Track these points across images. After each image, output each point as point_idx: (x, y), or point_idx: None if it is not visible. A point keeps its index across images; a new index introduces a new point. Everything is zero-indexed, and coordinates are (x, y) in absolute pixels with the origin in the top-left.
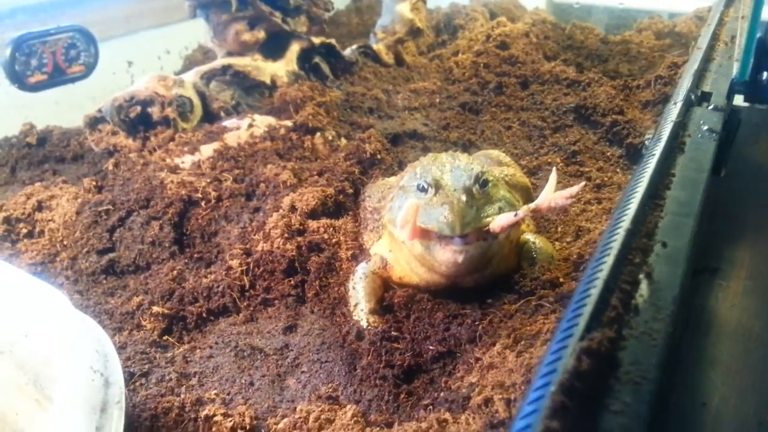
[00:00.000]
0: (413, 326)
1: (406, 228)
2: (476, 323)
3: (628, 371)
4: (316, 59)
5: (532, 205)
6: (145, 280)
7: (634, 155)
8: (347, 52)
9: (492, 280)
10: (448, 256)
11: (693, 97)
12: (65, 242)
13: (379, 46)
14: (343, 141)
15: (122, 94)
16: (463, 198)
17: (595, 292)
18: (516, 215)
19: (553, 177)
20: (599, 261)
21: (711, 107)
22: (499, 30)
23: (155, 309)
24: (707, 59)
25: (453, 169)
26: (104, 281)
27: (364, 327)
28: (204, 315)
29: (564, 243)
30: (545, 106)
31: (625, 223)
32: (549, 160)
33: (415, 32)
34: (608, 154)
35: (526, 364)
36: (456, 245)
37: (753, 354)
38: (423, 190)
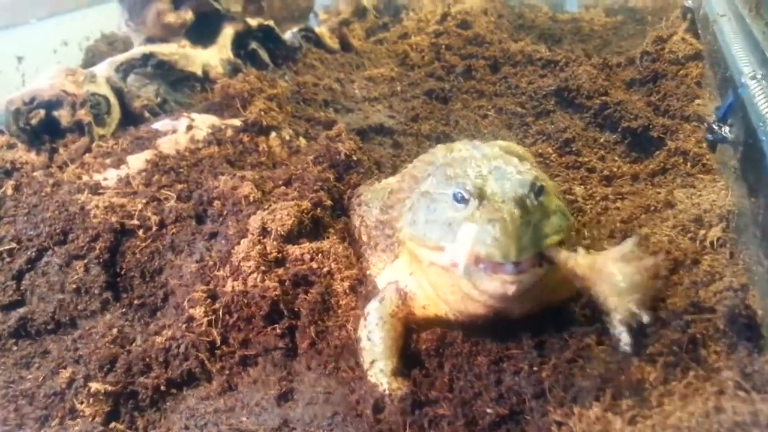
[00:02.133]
0: (452, 380)
1: (464, 258)
2: (535, 370)
3: None
4: (253, 45)
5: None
6: (73, 343)
7: (633, 141)
8: (287, 37)
9: (543, 306)
10: (495, 286)
11: None
12: None
13: (321, 30)
14: (302, 141)
15: (19, 95)
16: (517, 213)
17: None
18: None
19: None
20: None
21: None
22: (458, 7)
23: (94, 386)
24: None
25: (495, 171)
26: (15, 348)
27: (386, 393)
28: (162, 388)
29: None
30: (521, 90)
31: None
32: (540, 150)
33: (360, 12)
34: (602, 140)
35: None
36: (507, 274)
37: None
38: (462, 200)
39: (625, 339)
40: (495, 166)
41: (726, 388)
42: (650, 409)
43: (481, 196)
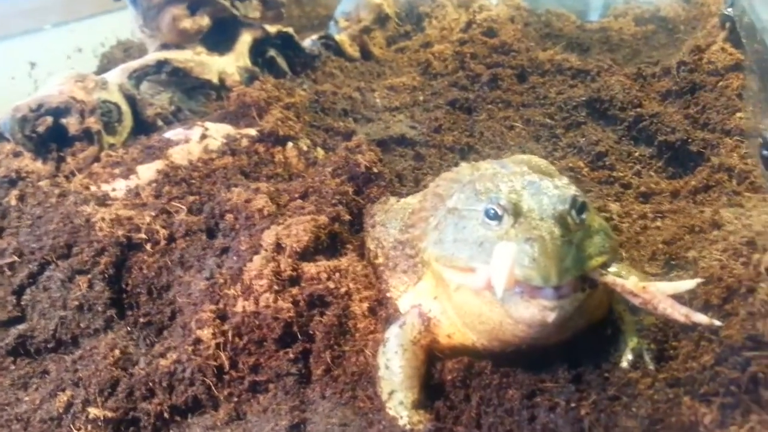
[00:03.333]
0: (480, 415)
1: (502, 280)
2: (573, 406)
3: None
4: (271, 52)
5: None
6: (73, 364)
7: (671, 156)
8: (307, 44)
9: (579, 332)
10: (533, 313)
11: None
12: None
13: (342, 37)
14: (320, 151)
15: (26, 102)
16: (557, 231)
17: None
18: (644, 288)
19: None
20: None
21: None
22: (484, 15)
23: (93, 412)
24: None
25: (529, 186)
26: (12, 367)
27: (406, 428)
28: (166, 415)
29: (650, 275)
30: (550, 100)
31: None
32: (570, 164)
33: (382, 20)
34: (637, 154)
35: None
36: (547, 299)
37: None
38: (495, 217)
39: (627, 362)
40: (529, 180)
41: None
42: None
43: (516, 212)
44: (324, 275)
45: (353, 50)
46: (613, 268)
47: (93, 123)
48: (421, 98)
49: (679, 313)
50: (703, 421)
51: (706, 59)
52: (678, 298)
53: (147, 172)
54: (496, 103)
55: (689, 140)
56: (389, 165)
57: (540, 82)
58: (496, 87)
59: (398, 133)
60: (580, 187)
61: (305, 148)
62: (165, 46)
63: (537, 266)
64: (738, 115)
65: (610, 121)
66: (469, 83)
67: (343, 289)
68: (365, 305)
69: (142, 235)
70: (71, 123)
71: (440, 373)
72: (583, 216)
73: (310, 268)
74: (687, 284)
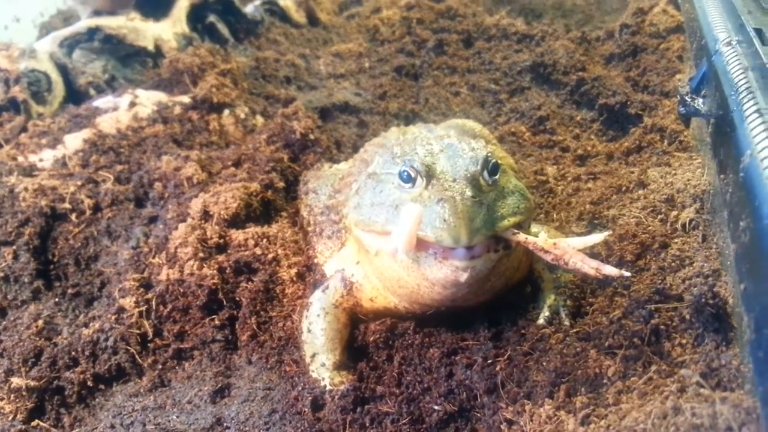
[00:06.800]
0: (401, 374)
1: (403, 240)
2: (490, 363)
3: None
4: (211, 18)
5: (567, 244)
6: None
7: (610, 119)
8: (249, 10)
9: (499, 293)
10: (446, 273)
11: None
12: None
13: (287, 2)
14: (259, 119)
15: None
16: (468, 192)
17: None
18: (554, 245)
19: (594, 239)
20: None
21: None
22: None
23: (15, 381)
24: None
25: (447, 148)
26: None
27: (327, 389)
28: (90, 383)
29: (575, 235)
30: (495, 66)
31: None
32: (512, 129)
33: None
34: (578, 118)
35: None
36: (459, 259)
37: None
38: (408, 180)
39: (544, 319)
40: (447, 143)
41: (687, 386)
42: (606, 407)
43: (429, 174)
44: (251, 242)
45: (299, 16)
46: (534, 229)
47: (18, 92)
48: (367, 65)
49: (590, 266)
50: (607, 373)
51: (648, 21)
52: (594, 256)
53: (74, 141)
54: (442, 69)
55: (628, 103)
56: (331, 132)
57: (486, 47)
58: (442, 53)
59: (342, 100)
60: (520, 151)
61: (243, 116)
62: (97, 13)
63: (447, 227)
64: (677, 77)
65: (553, 86)
66: (415, 49)
67: (270, 256)
68: (293, 271)
69: (66, 205)
70: None
71: (364, 336)
72: (496, 177)
73: (237, 235)
74: (595, 238)
